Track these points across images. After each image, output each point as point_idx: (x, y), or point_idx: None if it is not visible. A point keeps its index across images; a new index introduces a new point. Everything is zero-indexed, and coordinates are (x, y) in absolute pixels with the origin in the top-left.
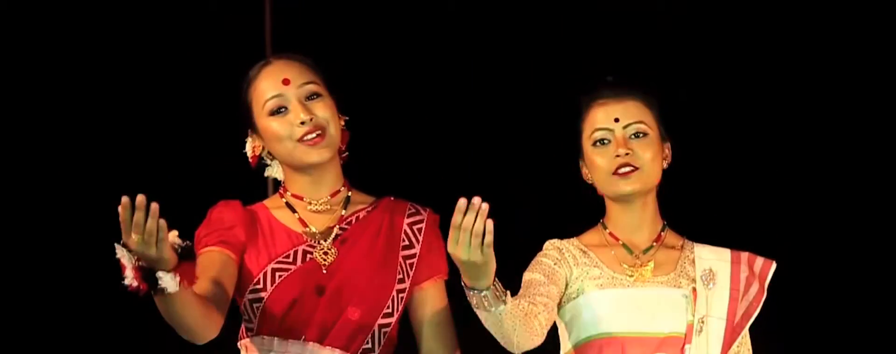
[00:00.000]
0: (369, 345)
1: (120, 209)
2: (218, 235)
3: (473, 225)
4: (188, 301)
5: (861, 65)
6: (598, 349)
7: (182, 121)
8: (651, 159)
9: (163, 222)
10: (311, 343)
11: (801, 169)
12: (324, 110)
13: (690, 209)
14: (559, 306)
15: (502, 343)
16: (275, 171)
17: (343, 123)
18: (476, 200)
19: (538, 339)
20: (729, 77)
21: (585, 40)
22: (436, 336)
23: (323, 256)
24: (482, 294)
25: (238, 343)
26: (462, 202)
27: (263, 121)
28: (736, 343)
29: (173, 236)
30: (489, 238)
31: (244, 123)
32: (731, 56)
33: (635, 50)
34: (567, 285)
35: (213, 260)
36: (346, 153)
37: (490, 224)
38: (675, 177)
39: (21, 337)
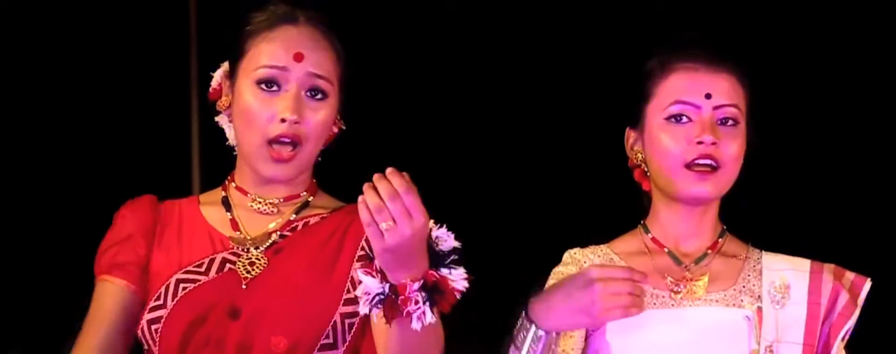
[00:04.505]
0: None
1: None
2: (110, 256)
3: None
4: None
5: None
6: None
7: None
8: (736, 157)
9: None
10: None
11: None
12: (317, 116)
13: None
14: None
15: None
16: (229, 134)
17: (337, 131)
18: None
19: None
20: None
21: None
22: None
23: (247, 267)
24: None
25: None
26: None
27: (245, 83)
28: None
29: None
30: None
31: (227, 48)
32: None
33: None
34: None
35: (103, 297)
36: (319, 157)
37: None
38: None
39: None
